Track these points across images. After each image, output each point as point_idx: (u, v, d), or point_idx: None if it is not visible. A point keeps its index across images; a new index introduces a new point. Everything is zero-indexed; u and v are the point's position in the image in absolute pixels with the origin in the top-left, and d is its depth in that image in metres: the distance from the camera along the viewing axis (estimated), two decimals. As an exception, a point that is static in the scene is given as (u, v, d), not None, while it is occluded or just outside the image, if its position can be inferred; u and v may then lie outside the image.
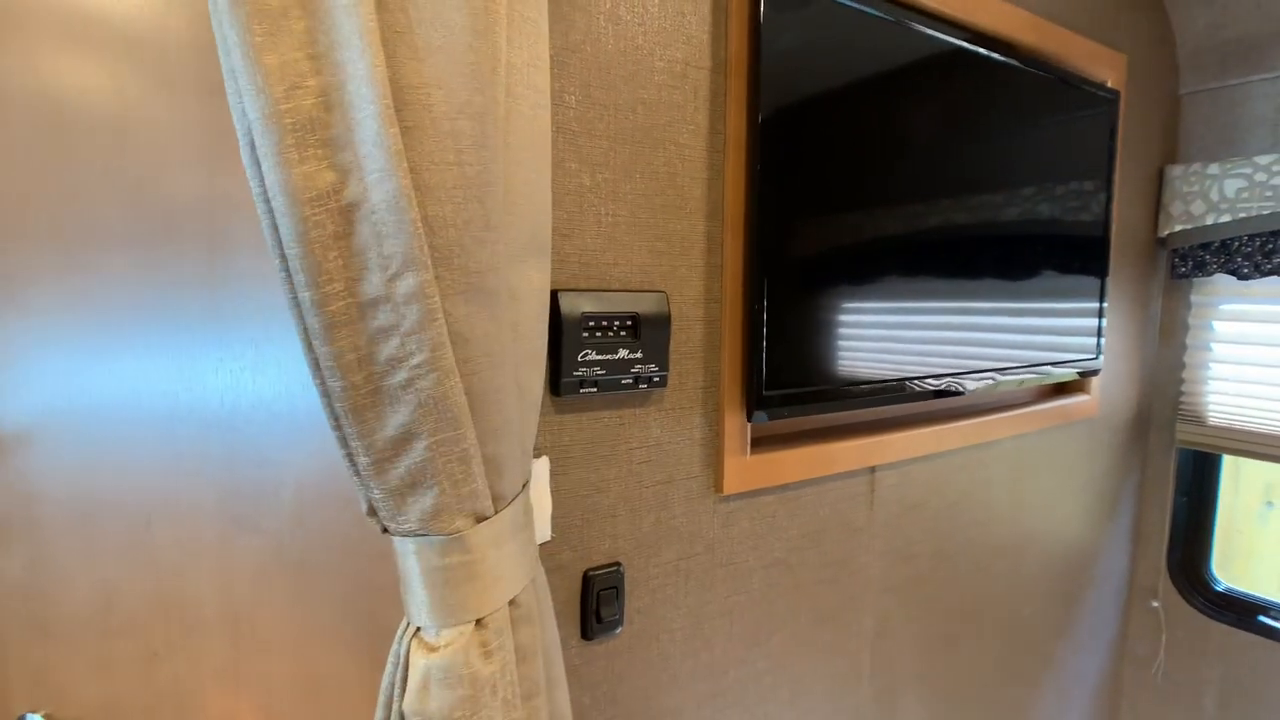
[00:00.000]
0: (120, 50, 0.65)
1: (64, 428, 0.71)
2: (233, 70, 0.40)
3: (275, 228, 0.44)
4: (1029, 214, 1.06)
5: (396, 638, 0.55)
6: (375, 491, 0.50)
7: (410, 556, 0.53)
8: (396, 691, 0.53)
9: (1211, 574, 1.48)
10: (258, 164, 0.42)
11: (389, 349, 0.46)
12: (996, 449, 1.17)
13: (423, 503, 0.50)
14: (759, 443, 0.83)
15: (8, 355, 0.71)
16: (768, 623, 0.87)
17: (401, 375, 0.47)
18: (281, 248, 0.44)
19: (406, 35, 0.42)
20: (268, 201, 0.43)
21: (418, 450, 0.49)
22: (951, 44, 0.91)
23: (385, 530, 0.53)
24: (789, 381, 0.78)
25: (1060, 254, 1.13)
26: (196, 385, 0.67)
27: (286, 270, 0.45)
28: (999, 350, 1.05)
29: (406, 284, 0.45)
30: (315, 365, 0.48)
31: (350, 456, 0.51)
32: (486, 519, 0.53)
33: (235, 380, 0.66)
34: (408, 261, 0.44)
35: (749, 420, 0.77)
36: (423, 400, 0.47)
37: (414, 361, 0.47)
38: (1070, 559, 1.37)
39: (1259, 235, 1.28)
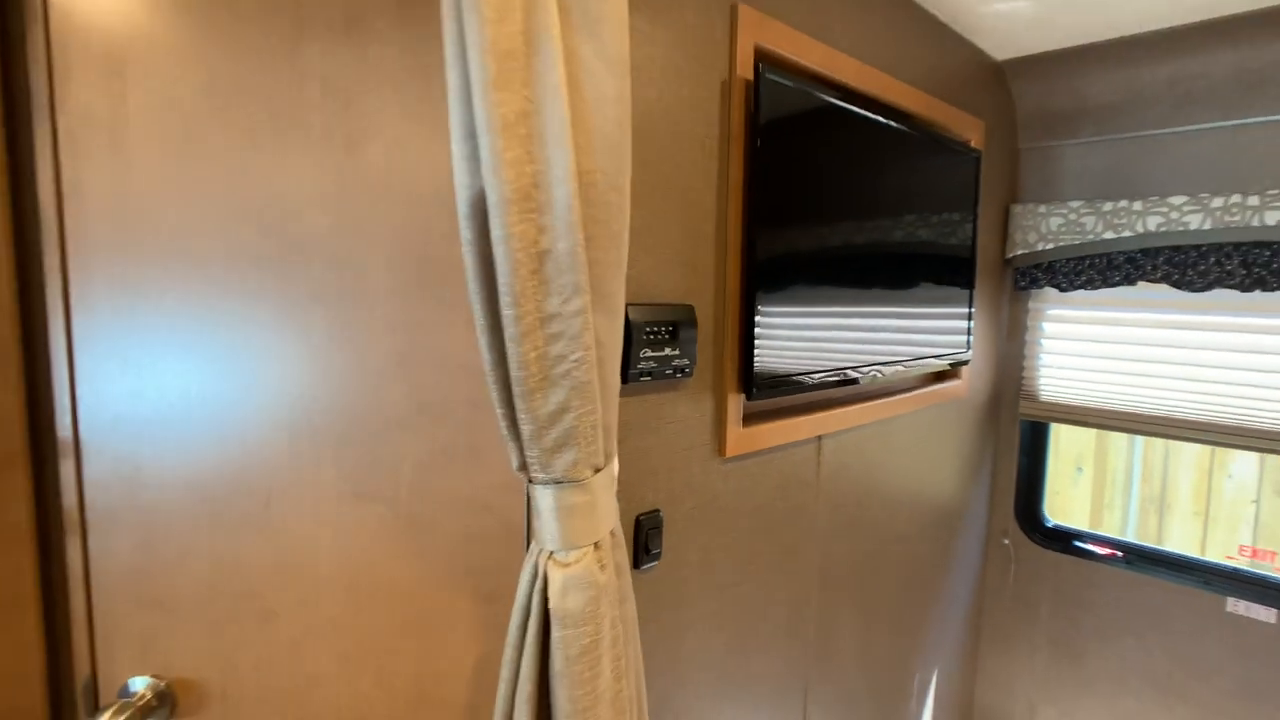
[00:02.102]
0: (259, 111, 0.79)
1: (184, 421, 0.83)
2: (482, 162, 0.59)
3: (488, 264, 0.63)
4: (922, 239, 1.40)
5: (529, 559, 0.75)
6: (532, 451, 0.70)
7: (549, 498, 0.72)
8: (536, 595, 0.73)
9: (1044, 515, 1.93)
10: (480, 220, 0.61)
11: (557, 349, 0.66)
12: (897, 423, 1.50)
13: (565, 458, 0.71)
14: (747, 419, 1.09)
15: (136, 357, 0.81)
16: (750, 554, 1.13)
17: (563, 367, 0.67)
18: (490, 279, 0.63)
19: (585, 136, 0.62)
20: (481, 245, 0.62)
21: (567, 420, 0.69)
22: (872, 118, 1.21)
23: (530, 480, 0.72)
24: (769, 370, 1.05)
25: (943, 270, 1.49)
26: (318, 381, 0.82)
27: (486, 294, 0.64)
28: (903, 346, 1.38)
29: (574, 304, 0.65)
30: (498, 361, 0.67)
31: (514, 427, 0.70)
32: (600, 470, 0.74)
33: (350, 376, 0.82)
34: (576, 289, 0.65)
35: (748, 399, 1.02)
36: (574, 385, 0.68)
37: (573, 358, 0.67)
38: (948, 508, 1.75)
39: (1072, 259, 1.72)
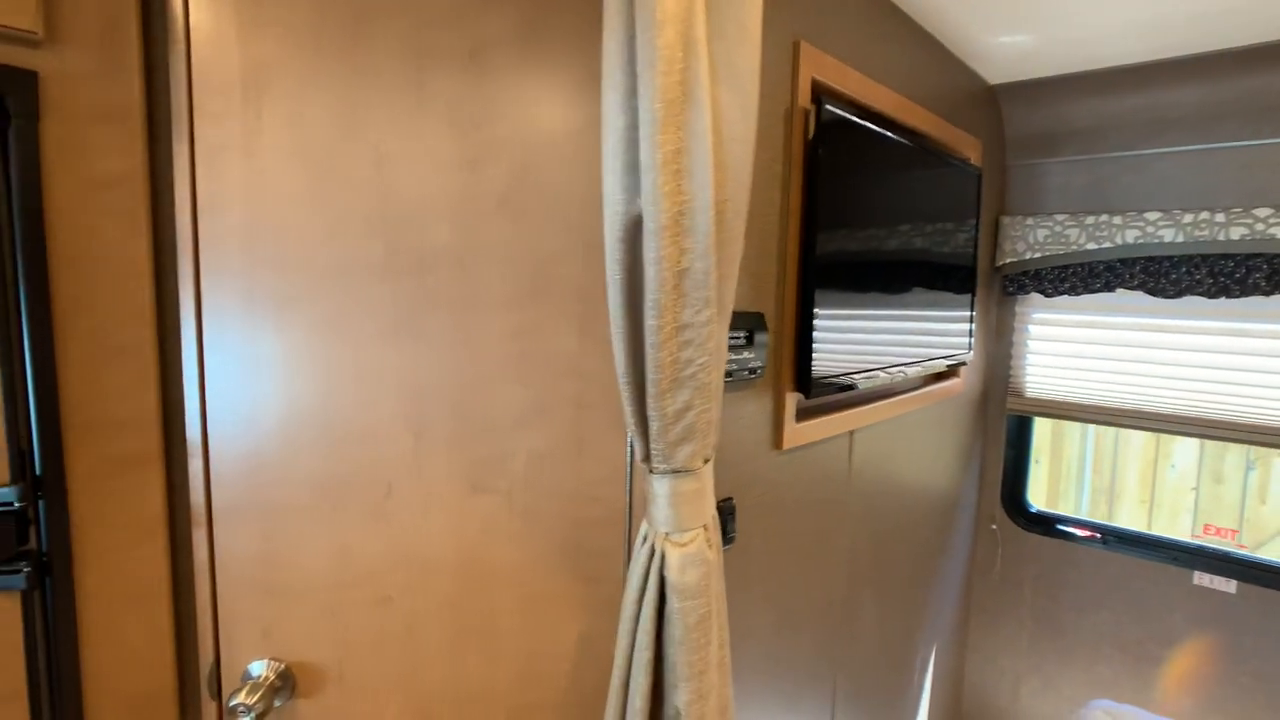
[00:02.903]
0: (390, 136, 0.85)
1: (308, 422, 0.89)
2: (643, 193, 0.68)
3: (633, 280, 0.72)
4: (936, 248, 1.54)
5: (641, 540, 0.84)
6: (657, 444, 0.79)
7: (666, 485, 0.82)
8: (653, 572, 0.82)
9: (1028, 501, 2.11)
10: (631, 243, 0.70)
11: (687, 354, 0.75)
12: (909, 419, 1.64)
13: (685, 450, 0.80)
14: (799, 415, 1.20)
15: (263, 361, 0.87)
16: (797, 540, 1.24)
17: (690, 370, 0.76)
18: (634, 294, 0.72)
19: (721, 171, 0.72)
20: (629, 264, 0.71)
21: (689, 417, 0.78)
22: (898, 138, 1.34)
23: (651, 470, 0.81)
24: (823, 371, 1.16)
25: (951, 276, 1.63)
26: (438, 383, 0.89)
27: (630, 307, 0.73)
28: (921, 348, 1.51)
29: (703, 315, 0.74)
30: (632, 365, 0.76)
31: (643, 423, 0.79)
32: (708, 461, 0.84)
33: (468, 378, 0.89)
34: (706, 302, 0.74)
35: (807, 397, 1.13)
36: (698, 386, 0.77)
37: (698, 362, 0.76)
38: (945, 497, 1.91)
39: (1056, 267, 1.89)
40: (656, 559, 0.83)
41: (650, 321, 0.73)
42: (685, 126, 0.67)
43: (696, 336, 0.75)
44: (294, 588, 0.91)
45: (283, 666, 0.92)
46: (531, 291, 0.88)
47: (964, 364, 1.78)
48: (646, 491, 0.84)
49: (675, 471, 0.82)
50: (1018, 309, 2.03)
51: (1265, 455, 3.09)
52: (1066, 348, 1.94)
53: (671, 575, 0.81)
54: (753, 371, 1.02)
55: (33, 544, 0.77)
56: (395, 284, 0.87)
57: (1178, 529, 3.10)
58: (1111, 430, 3.28)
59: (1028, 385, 2.03)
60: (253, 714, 0.86)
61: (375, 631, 0.92)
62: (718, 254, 0.74)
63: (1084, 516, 2.03)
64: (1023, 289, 1.96)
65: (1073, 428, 3.29)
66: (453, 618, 0.93)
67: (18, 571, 0.75)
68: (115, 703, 0.84)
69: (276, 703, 0.90)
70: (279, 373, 0.87)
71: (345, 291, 0.86)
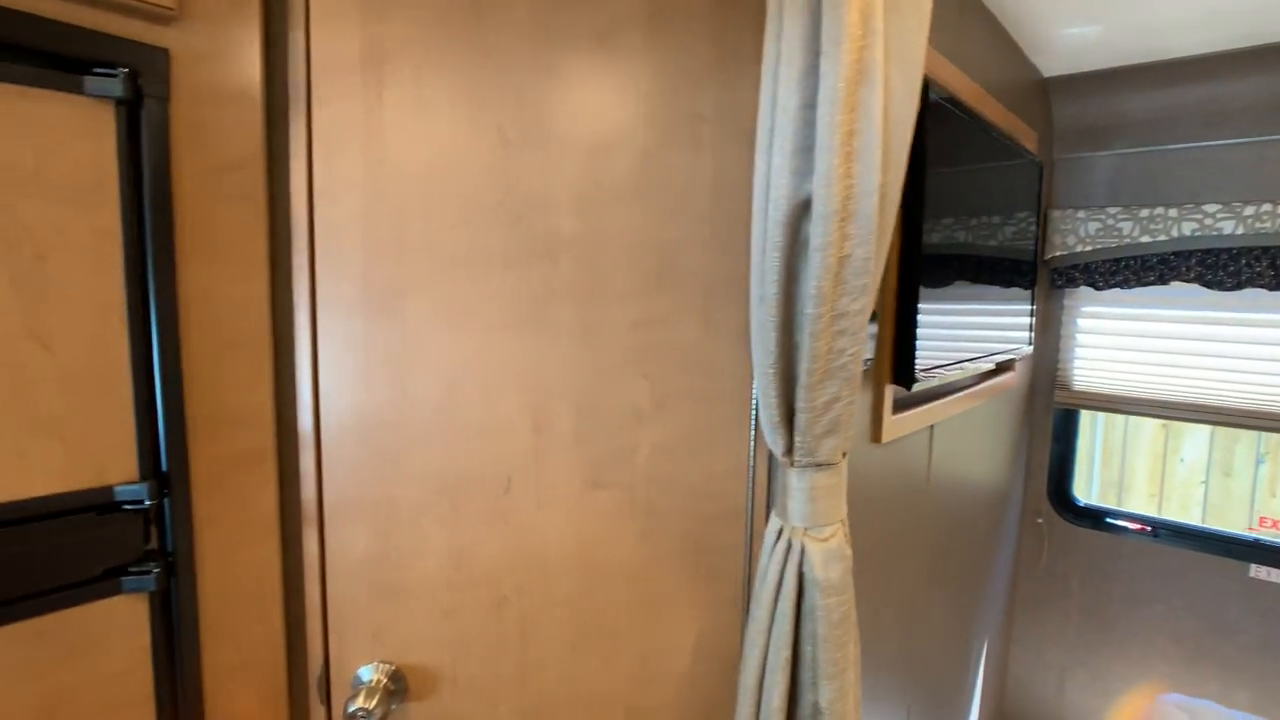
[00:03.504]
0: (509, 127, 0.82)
1: (425, 415, 0.86)
2: (816, 175, 0.65)
3: (790, 265, 0.69)
4: (1006, 240, 1.53)
5: (774, 536, 0.82)
6: (803, 438, 0.77)
7: (807, 479, 0.80)
8: (790, 568, 0.80)
9: (1074, 495, 2.11)
10: (794, 227, 0.68)
11: (841, 344, 0.73)
12: (974, 414, 1.63)
13: (829, 444, 0.78)
14: (893, 408, 1.18)
15: (379, 354, 0.84)
16: (886, 533, 1.22)
17: (841, 361, 0.74)
18: (790, 281, 0.70)
19: (885, 155, 0.69)
20: (790, 249, 0.69)
21: (836, 409, 0.76)
22: (979, 127, 1.32)
23: (793, 464, 0.79)
24: (921, 364, 1.14)
25: (1016, 268, 1.62)
26: (560, 376, 0.86)
27: (785, 295, 0.71)
28: (993, 340, 1.50)
29: (859, 304, 0.72)
30: (782, 355, 0.74)
31: (789, 417, 0.77)
32: (845, 454, 0.82)
33: (591, 371, 0.86)
34: (863, 290, 0.72)
35: (908, 389, 1.11)
36: (847, 377, 0.75)
37: (850, 352, 0.74)
38: (997, 491, 1.90)
39: (1107, 260, 1.89)
40: (795, 555, 0.80)
41: (810, 310, 0.70)
42: (859, 107, 0.65)
43: (851, 326, 0.73)
44: (408, 588, 0.88)
45: (394, 668, 0.89)
46: (655, 282, 0.86)
47: (1024, 357, 1.77)
48: (782, 486, 0.82)
49: (818, 465, 0.80)
50: (1065, 302, 2.02)
51: (1277, 449, 3.12)
52: (1116, 340, 1.94)
53: (815, 571, 0.79)
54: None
55: (154, 544, 0.74)
56: (518, 273, 0.84)
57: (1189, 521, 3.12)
58: (1120, 424, 3.30)
59: (1075, 378, 2.03)
60: (373, 717, 0.83)
61: (491, 632, 0.89)
62: (877, 241, 0.72)
63: (1134, 510, 2.03)
64: (1072, 282, 1.96)
65: (1082, 421, 3.30)
66: (569, 617, 0.90)
67: (148, 572, 0.72)
68: (234, 707, 0.81)
69: (392, 706, 0.87)
70: (396, 365, 0.84)
71: (467, 281, 0.84)
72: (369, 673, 0.88)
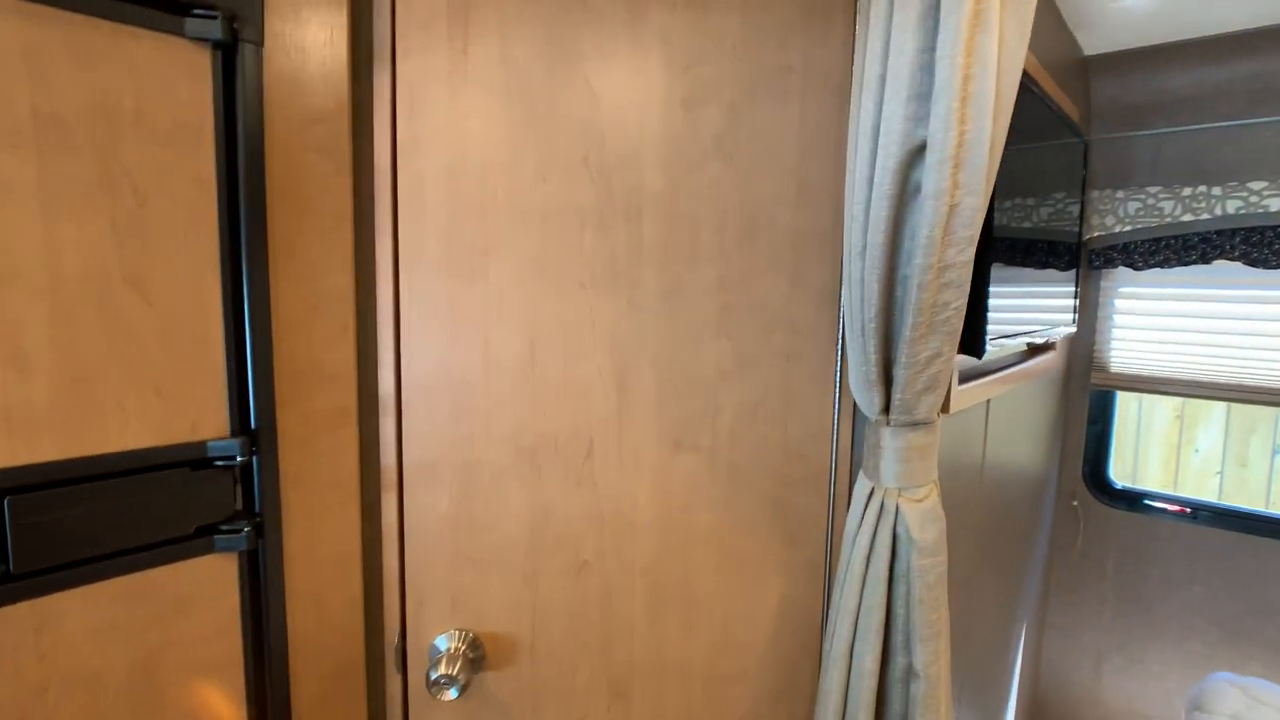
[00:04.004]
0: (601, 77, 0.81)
1: (508, 377, 0.84)
2: (933, 119, 0.64)
3: (898, 215, 0.68)
4: (1058, 218, 1.52)
5: (865, 497, 0.80)
6: (902, 395, 0.75)
7: (903, 439, 0.78)
8: (883, 530, 0.78)
9: (1111, 478, 2.10)
10: (905, 175, 0.66)
11: (944, 297, 0.72)
12: (1020, 392, 1.62)
13: (928, 401, 0.76)
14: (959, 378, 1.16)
15: (462, 315, 0.82)
16: (946, 502, 1.21)
17: (944, 315, 0.73)
18: (897, 231, 0.69)
19: (999, 101, 0.68)
20: (899, 198, 0.67)
21: (937, 365, 0.75)
22: (1045, 105, 1.31)
23: (889, 423, 0.78)
24: (991, 332, 1.13)
25: (1064, 246, 1.61)
26: (644, 336, 0.85)
27: (892, 246, 0.69)
28: (1044, 320, 1.49)
29: (965, 255, 0.71)
30: (883, 309, 0.72)
31: (886, 373, 0.75)
32: (940, 413, 0.81)
33: (676, 331, 0.85)
34: (969, 242, 0.70)
35: (978, 358, 1.10)
36: (949, 331, 0.74)
37: (954, 305, 0.73)
38: (1036, 472, 1.89)
39: (1147, 240, 1.88)
40: (888, 516, 0.79)
41: (919, 260, 0.69)
42: (976, 51, 0.64)
43: (956, 278, 0.71)
44: (487, 554, 0.86)
45: (472, 636, 0.87)
46: (742, 239, 0.84)
47: (1066, 338, 1.76)
48: (873, 447, 0.81)
49: (915, 424, 0.78)
50: (1103, 283, 2.01)
51: (1293, 438, 3.11)
52: (1155, 321, 1.93)
53: (912, 532, 0.78)
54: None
55: (240, 506, 0.72)
56: (604, 231, 0.82)
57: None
58: (1134, 414, 3.29)
59: (1112, 360, 2.02)
60: (457, 685, 0.81)
61: (571, 599, 0.88)
62: (984, 192, 0.70)
63: (1172, 492, 2.02)
64: (1110, 263, 1.95)
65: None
66: (650, 583, 0.89)
67: (238, 531, 0.70)
68: (314, 674, 0.79)
69: (472, 675, 0.86)
70: (478, 324, 0.83)
71: (553, 239, 0.82)
72: (446, 642, 0.87)
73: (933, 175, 0.66)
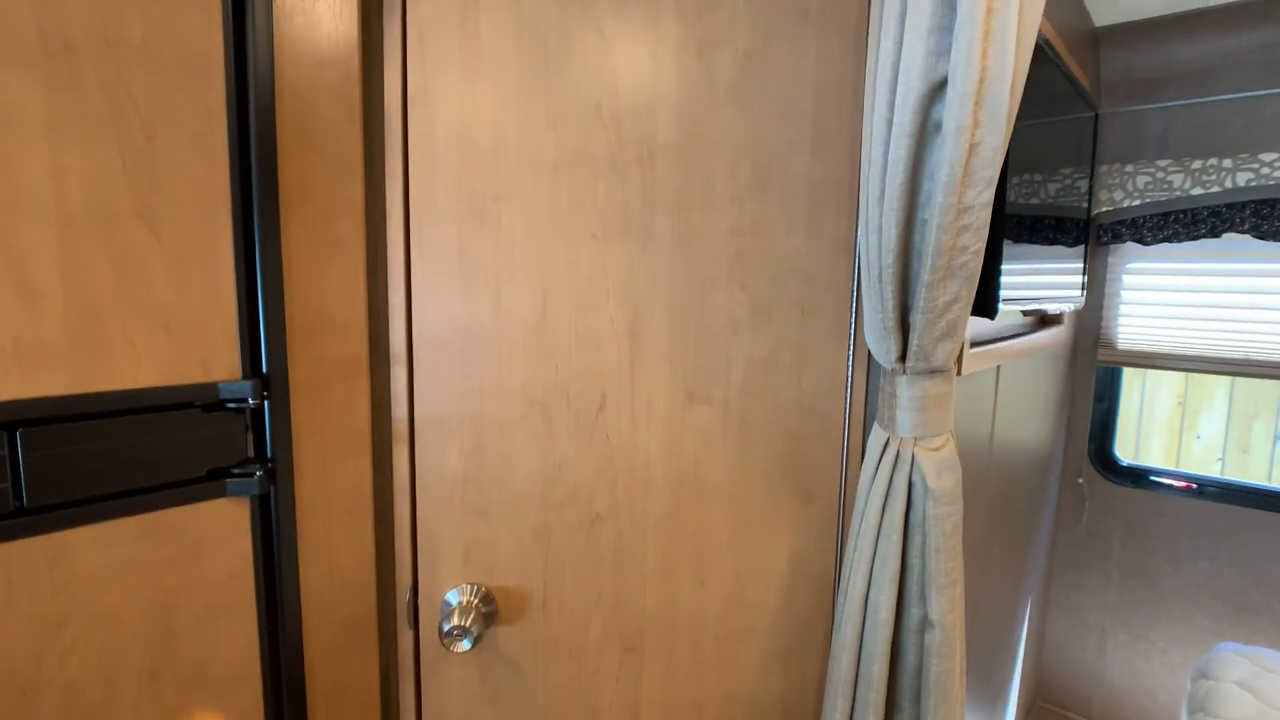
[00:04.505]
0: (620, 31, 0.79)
1: (519, 329, 0.83)
2: (954, 53, 0.63)
3: (917, 154, 0.67)
4: (1068, 193, 1.51)
5: (880, 448, 0.80)
6: (919, 341, 0.75)
7: (919, 387, 0.77)
8: (898, 479, 0.78)
9: (1116, 455, 2.09)
10: (924, 112, 0.65)
11: (963, 240, 0.71)
12: (1026, 367, 1.61)
13: (945, 348, 0.76)
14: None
15: (473, 263, 0.81)
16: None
17: (963, 259, 0.72)
18: (916, 171, 0.68)
19: (1018, 40, 0.67)
20: (919, 136, 0.67)
21: (954, 311, 0.74)
22: (1061, 75, 1.30)
23: (905, 371, 0.77)
24: (1004, 294, 1.12)
25: (1074, 220, 1.60)
26: (657, 285, 0.84)
27: (911, 187, 0.68)
28: (1054, 291, 1.48)
29: (984, 197, 0.70)
30: (901, 254, 0.71)
31: (904, 320, 0.75)
32: (957, 362, 0.80)
33: (688, 280, 0.84)
34: (988, 183, 0.69)
35: (990, 319, 1.09)
36: (967, 275, 0.73)
37: (972, 249, 0.72)
38: (1044, 450, 1.89)
39: (1156, 214, 1.87)
40: (904, 466, 0.78)
41: (938, 201, 0.68)
42: (999, -20, 0.62)
43: (974, 221, 0.70)
44: (498, 507, 0.86)
45: (484, 590, 0.87)
46: (756, 187, 0.83)
47: (1074, 312, 1.75)
48: (889, 397, 0.80)
49: (931, 372, 0.77)
50: (1110, 259, 2.00)
51: (1298, 423, 3.10)
52: (1163, 296, 1.92)
53: (928, 480, 0.77)
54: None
55: (251, 451, 0.71)
56: (617, 179, 0.81)
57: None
58: (1136, 400, 3.28)
59: (1119, 336, 2.01)
60: (470, 636, 0.81)
61: (583, 553, 0.87)
62: (1004, 132, 0.69)
63: (1178, 468, 2.02)
64: (1117, 238, 1.94)
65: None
66: (662, 538, 0.88)
67: (250, 475, 0.69)
68: (326, 624, 0.79)
69: (485, 629, 0.85)
70: (489, 274, 0.82)
71: (565, 187, 0.81)
72: (458, 596, 0.86)
73: (954, 111, 0.65)
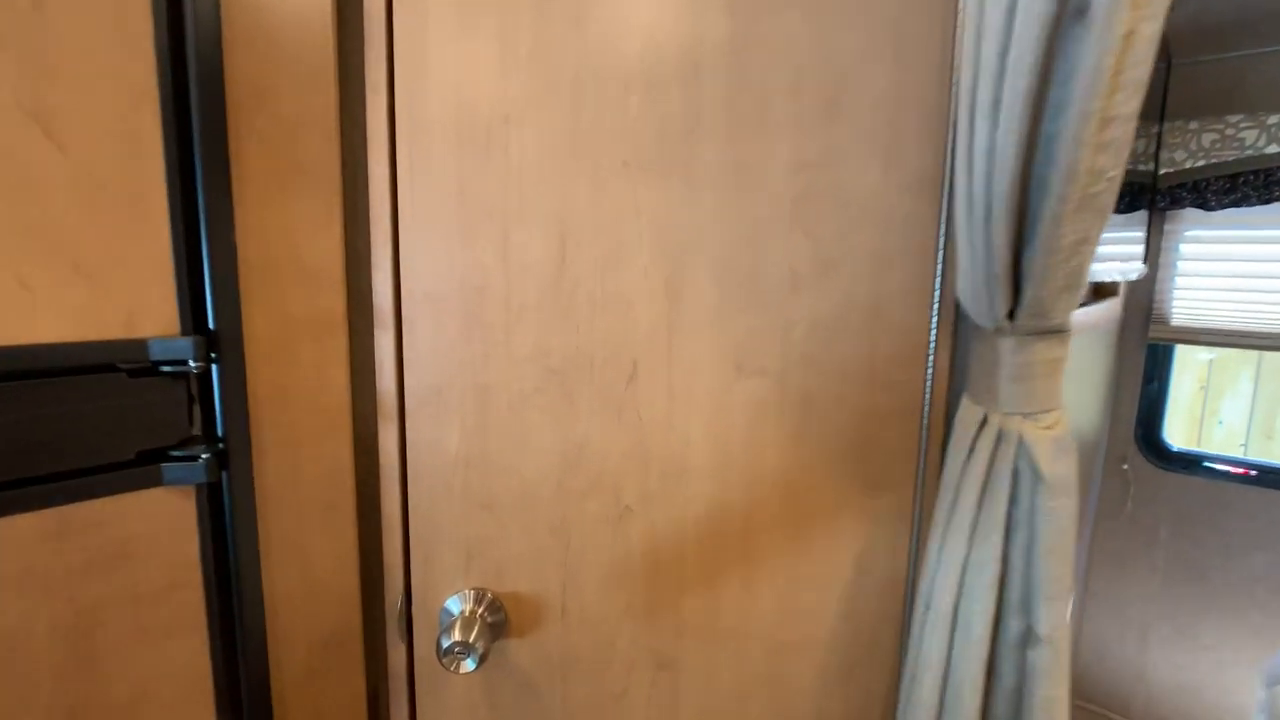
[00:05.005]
0: None
1: (531, 286, 0.68)
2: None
3: (1050, 50, 0.51)
4: (1134, 155, 1.35)
5: (976, 426, 0.65)
6: (1036, 292, 0.59)
7: (1030, 351, 0.62)
8: (1002, 463, 0.63)
9: (1165, 439, 1.95)
10: (1059, 5, 0.50)
11: (1102, 162, 0.55)
12: (1083, 340, 1.46)
13: (1066, 301, 0.60)
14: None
15: (480, 211, 0.66)
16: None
17: (1098, 187, 0.56)
18: (1045, 72, 0.52)
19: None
20: (1056, 22, 0.51)
21: (1083, 253, 0.59)
22: None
23: (1012, 331, 0.62)
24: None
25: (1138, 185, 1.44)
26: (700, 231, 0.68)
27: (1039, 92, 0.53)
28: (1116, 258, 1.33)
29: (1131, 105, 0.54)
30: (1018, 178, 0.56)
31: (1016, 266, 0.59)
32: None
33: (739, 225, 0.69)
34: (1139, 86, 0.54)
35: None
36: (1099, 210, 0.57)
37: (1110, 174, 0.56)
38: (1085, 435, 1.74)
39: (1224, 176, 1.70)
40: (1008, 448, 0.64)
41: (1074, 109, 0.52)
42: None
43: (1118, 137, 0.55)
44: (509, 498, 0.71)
45: (490, 597, 0.73)
46: (824, 109, 0.67)
47: (1132, 283, 1.60)
48: (987, 365, 0.65)
49: (1046, 332, 0.62)
50: (1167, 227, 1.84)
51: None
52: (1226, 268, 1.76)
53: (1040, 466, 0.62)
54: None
55: (198, 428, 0.56)
56: (654, 95, 0.66)
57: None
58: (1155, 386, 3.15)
59: (1174, 311, 1.86)
60: (475, 655, 0.66)
61: (609, 552, 0.73)
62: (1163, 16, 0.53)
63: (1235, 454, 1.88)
64: (1177, 203, 1.78)
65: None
66: (703, 534, 0.74)
67: (194, 458, 0.54)
68: (299, 641, 0.65)
69: (492, 642, 0.71)
70: (496, 213, 0.66)
71: (590, 104, 0.65)
72: (460, 604, 0.72)
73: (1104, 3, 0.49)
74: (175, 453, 0.54)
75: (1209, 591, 1.86)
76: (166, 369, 0.53)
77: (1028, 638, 0.65)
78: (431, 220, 0.66)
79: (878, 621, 0.77)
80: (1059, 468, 0.63)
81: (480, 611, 0.71)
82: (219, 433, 0.56)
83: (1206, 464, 1.86)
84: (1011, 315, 0.62)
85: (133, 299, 0.51)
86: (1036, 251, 0.58)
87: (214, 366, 0.55)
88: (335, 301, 0.64)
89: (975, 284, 0.63)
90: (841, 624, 0.77)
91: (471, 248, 0.66)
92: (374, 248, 0.66)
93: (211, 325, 0.55)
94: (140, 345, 0.52)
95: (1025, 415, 0.64)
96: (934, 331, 0.71)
